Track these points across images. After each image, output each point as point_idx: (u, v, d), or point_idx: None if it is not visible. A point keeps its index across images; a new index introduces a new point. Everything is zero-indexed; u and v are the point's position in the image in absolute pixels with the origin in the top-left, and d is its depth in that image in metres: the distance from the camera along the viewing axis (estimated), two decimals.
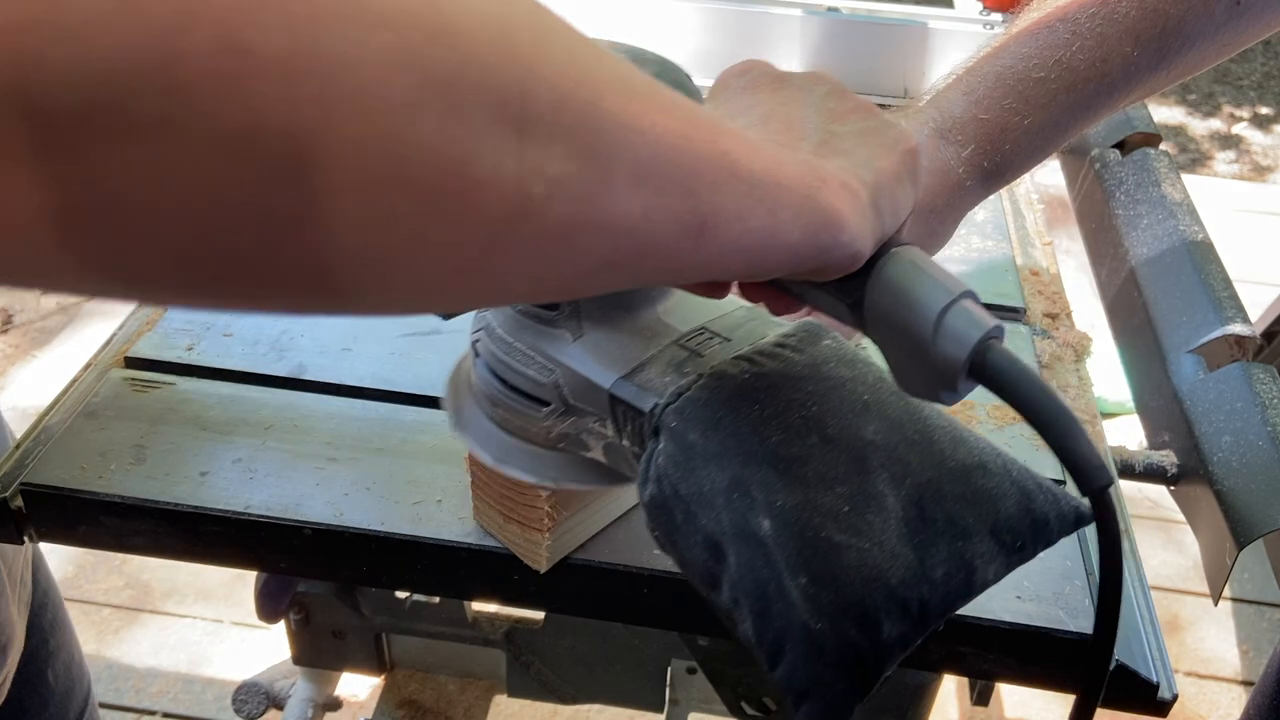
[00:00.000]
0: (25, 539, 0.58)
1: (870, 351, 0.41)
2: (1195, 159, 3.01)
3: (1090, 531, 0.60)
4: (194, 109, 0.17)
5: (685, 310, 0.45)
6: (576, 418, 0.45)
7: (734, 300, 0.46)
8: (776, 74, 0.39)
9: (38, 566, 0.66)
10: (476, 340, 0.48)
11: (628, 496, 0.55)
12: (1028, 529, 0.39)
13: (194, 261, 0.19)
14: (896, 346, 0.36)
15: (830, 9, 0.96)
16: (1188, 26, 0.52)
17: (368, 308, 0.23)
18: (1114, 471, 0.63)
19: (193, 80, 0.17)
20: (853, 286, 0.36)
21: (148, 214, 0.18)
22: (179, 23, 0.16)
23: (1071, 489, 0.39)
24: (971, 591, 0.38)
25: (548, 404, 0.45)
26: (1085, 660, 0.36)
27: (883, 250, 0.36)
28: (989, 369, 0.34)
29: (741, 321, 0.44)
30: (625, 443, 0.43)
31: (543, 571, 0.52)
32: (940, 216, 0.54)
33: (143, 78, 0.16)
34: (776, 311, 0.42)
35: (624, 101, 0.25)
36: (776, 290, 0.39)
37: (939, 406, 0.40)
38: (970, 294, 0.35)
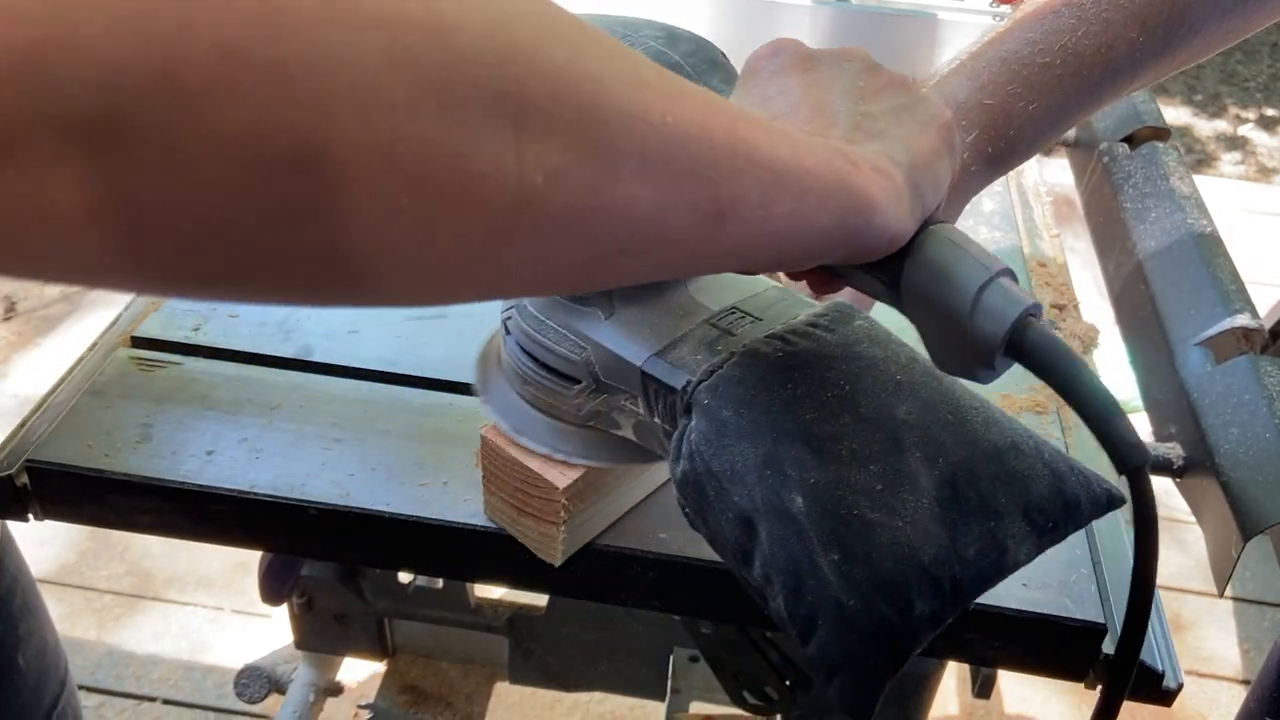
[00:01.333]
0: (30, 516, 0.58)
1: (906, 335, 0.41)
2: (1201, 159, 3.00)
3: (1100, 521, 0.60)
4: (197, 114, 0.18)
5: (716, 289, 0.45)
6: (608, 395, 0.45)
7: (765, 280, 0.46)
8: (806, 54, 0.39)
9: (6, 550, 0.65)
10: (508, 318, 0.48)
11: (641, 486, 0.55)
12: (1059, 510, 0.39)
13: (208, 255, 0.20)
14: (934, 324, 0.36)
15: None
16: (1193, 12, 0.52)
17: (379, 298, 0.23)
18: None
19: (193, 87, 0.18)
20: (890, 264, 0.36)
21: (164, 211, 0.19)
22: (178, 35, 0.17)
23: (1107, 468, 0.39)
24: (1003, 571, 0.38)
25: (579, 382, 0.45)
26: (1119, 639, 0.36)
27: (922, 226, 0.36)
28: (1027, 346, 0.34)
29: (773, 301, 0.44)
30: (657, 420, 0.43)
31: (557, 565, 0.52)
32: (945, 201, 0.54)
33: (147, 87, 0.17)
34: (814, 289, 0.42)
35: (631, 92, 0.25)
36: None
37: (970, 388, 0.41)
38: (1008, 271, 0.35)
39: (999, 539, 0.37)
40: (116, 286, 0.21)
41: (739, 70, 0.41)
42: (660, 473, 0.55)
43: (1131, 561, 0.57)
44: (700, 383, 0.40)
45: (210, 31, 0.17)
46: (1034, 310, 0.34)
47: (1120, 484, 0.43)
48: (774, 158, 0.29)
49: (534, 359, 0.47)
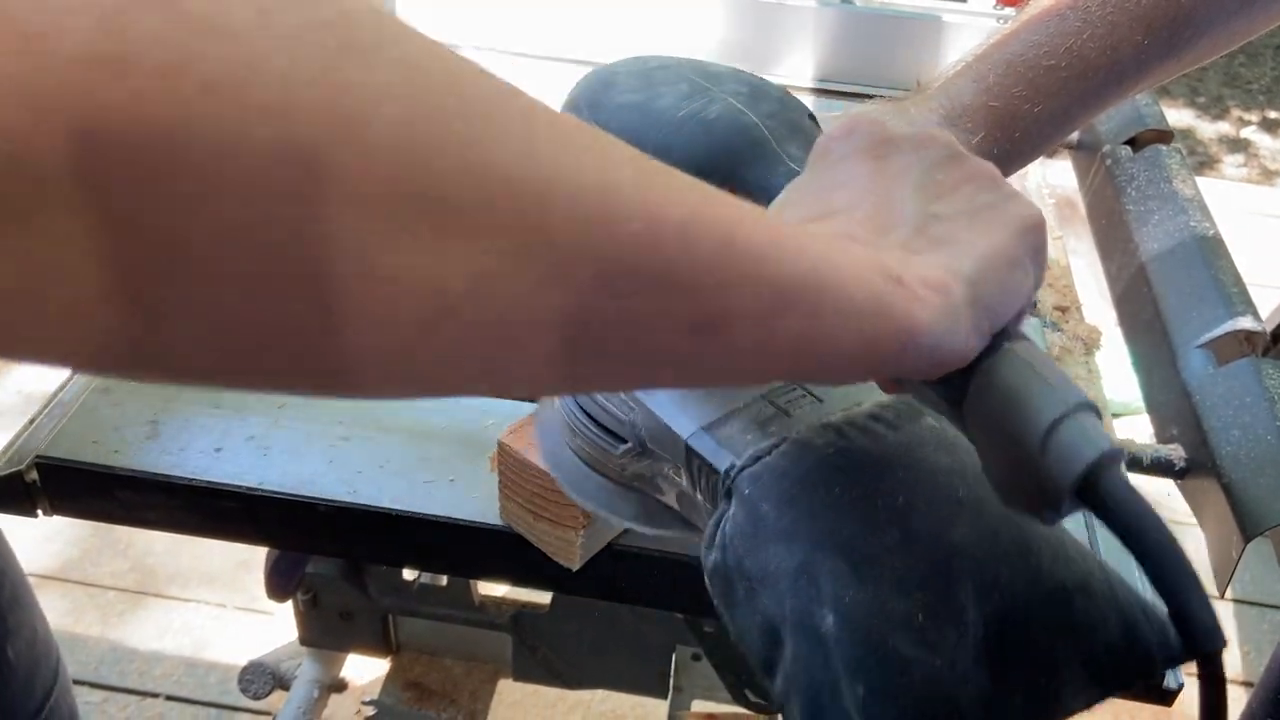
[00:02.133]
0: (39, 512, 0.59)
1: None
2: (1204, 162, 3.00)
3: (1096, 525, 0.60)
4: (63, 202, 0.17)
5: None
6: (652, 460, 0.43)
7: None
8: (881, 138, 0.35)
9: None
10: None
11: None
12: (1128, 660, 0.35)
13: (92, 339, 0.18)
14: (1000, 455, 0.33)
15: (844, 1, 0.97)
16: (1199, 15, 0.52)
17: (291, 392, 0.22)
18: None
19: (52, 177, 0.16)
20: (955, 381, 0.33)
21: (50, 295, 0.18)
22: (29, 124, 0.16)
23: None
24: None
25: (625, 441, 0.44)
26: None
27: (994, 344, 0.33)
28: (1101, 494, 0.31)
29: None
30: (699, 497, 0.41)
31: (575, 569, 0.52)
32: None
33: (14, 176, 0.16)
34: (881, 387, 0.38)
35: (591, 195, 0.22)
36: None
37: None
38: (1090, 406, 0.32)
39: (1051, 689, 0.34)
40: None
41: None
42: None
43: (1134, 565, 0.57)
44: (743, 469, 0.37)
45: (65, 120, 0.16)
46: (1115, 455, 0.31)
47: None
48: (779, 270, 0.26)
49: (584, 410, 0.45)
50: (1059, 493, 0.31)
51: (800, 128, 0.49)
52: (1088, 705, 0.35)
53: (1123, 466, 0.32)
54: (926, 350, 0.30)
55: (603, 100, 0.49)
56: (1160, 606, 0.35)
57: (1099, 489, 0.31)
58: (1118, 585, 0.37)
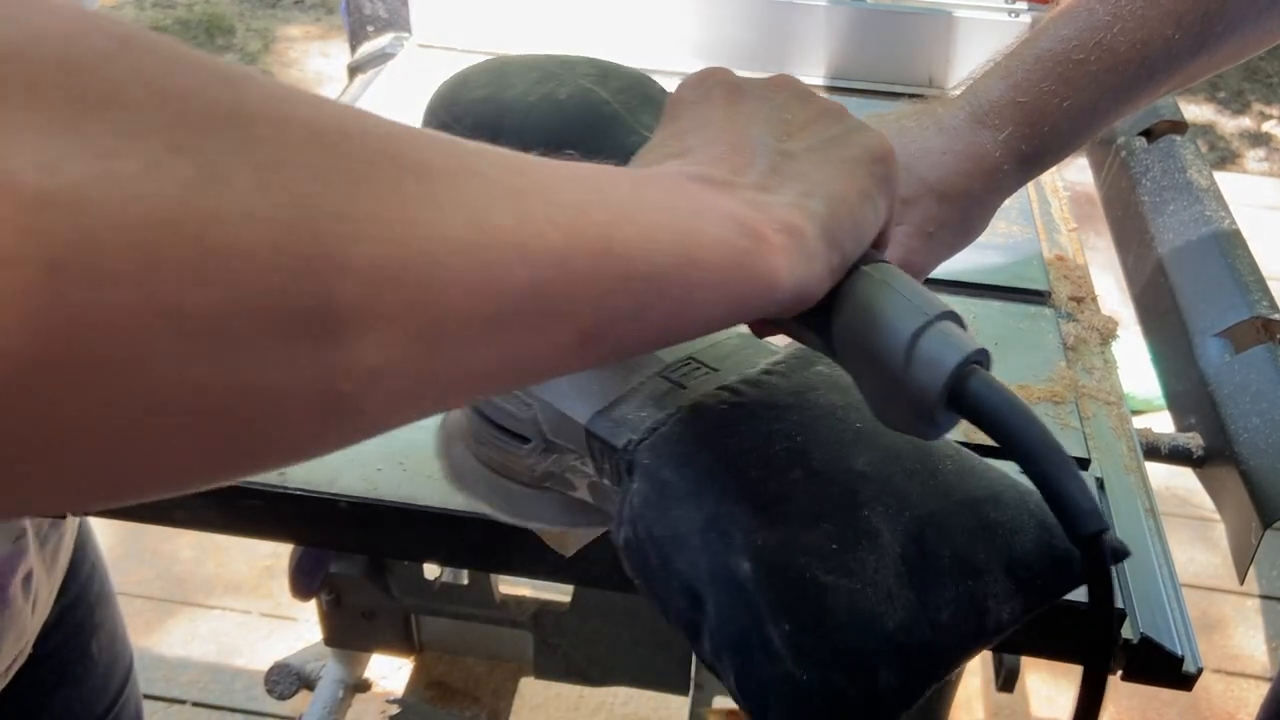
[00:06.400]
0: (68, 513, 0.60)
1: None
2: (1225, 156, 2.98)
3: (1120, 510, 0.60)
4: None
5: None
6: (558, 455, 0.42)
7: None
8: (732, 85, 0.36)
9: (86, 540, 0.68)
10: None
11: None
12: (1048, 566, 0.35)
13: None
14: (869, 375, 0.32)
15: None
16: (1230, 12, 0.52)
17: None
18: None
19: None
20: (818, 313, 0.32)
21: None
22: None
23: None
24: (985, 634, 0.34)
25: (528, 440, 0.43)
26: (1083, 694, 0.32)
27: (851, 270, 0.33)
28: (969, 399, 0.30)
29: (733, 350, 0.41)
30: (606, 481, 0.40)
31: (567, 556, 0.53)
32: (977, 202, 0.53)
33: None
34: (757, 334, 0.39)
35: (473, 252, 0.22)
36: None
37: (950, 435, 0.36)
38: (951, 314, 0.31)
39: (978, 599, 0.34)
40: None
41: None
42: None
43: (1152, 549, 0.57)
44: (641, 441, 0.36)
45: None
46: (978, 357, 0.31)
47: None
48: (651, 263, 0.26)
49: (484, 416, 0.44)
50: (930, 405, 0.30)
51: (653, 98, 0.49)
52: (1015, 618, 0.35)
53: (989, 368, 0.31)
54: (783, 297, 0.30)
55: (457, 98, 0.49)
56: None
57: (966, 393, 0.30)
58: (1030, 496, 0.36)
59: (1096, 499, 0.30)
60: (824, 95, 0.37)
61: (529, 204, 0.24)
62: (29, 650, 0.59)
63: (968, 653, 0.34)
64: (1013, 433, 0.30)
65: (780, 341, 0.41)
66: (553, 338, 0.24)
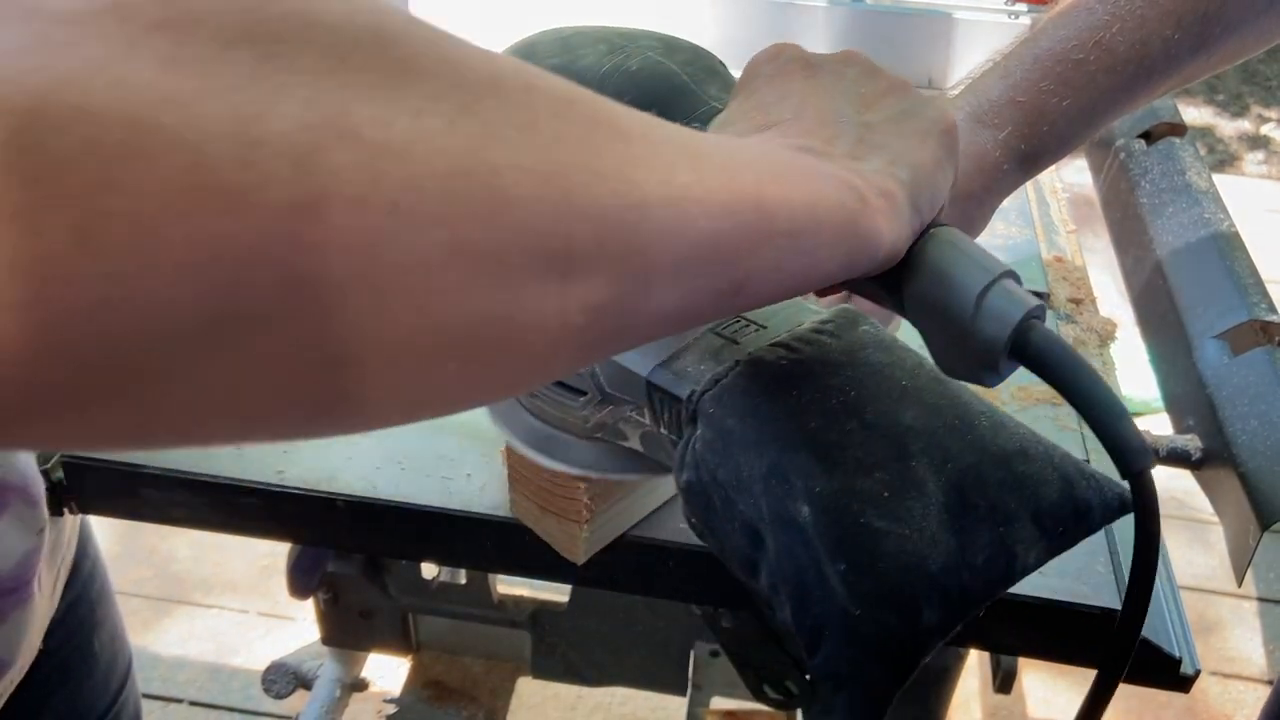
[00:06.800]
0: (65, 511, 0.60)
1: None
2: (1224, 159, 2.98)
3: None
4: (251, 340, 0.18)
5: None
6: (614, 406, 0.45)
7: None
8: (806, 59, 0.39)
9: (87, 538, 0.68)
10: None
11: (666, 487, 0.55)
12: (1070, 515, 0.38)
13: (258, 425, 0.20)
14: (937, 329, 0.36)
15: None
16: (1229, 12, 0.52)
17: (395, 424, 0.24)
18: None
19: (257, 313, 0.17)
20: (891, 272, 0.36)
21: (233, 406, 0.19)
22: (239, 273, 0.17)
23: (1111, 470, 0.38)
24: (1012, 577, 0.37)
25: (584, 393, 0.46)
26: (1110, 640, 0.36)
27: (921, 233, 0.36)
28: (1030, 349, 0.34)
29: (778, 309, 0.44)
30: (663, 430, 0.43)
31: (579, 564, 0.53)
32: (977, 202, 0.54)
33: (223, 330, 0.17)
34: (817, 294, 0.42)
35: (669, 207, 0.24)
36: None
37: (977, 392, 0.40)
38: (1010, 273, 0.35)
39: (1008, 545, 0.37)
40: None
41: (737, 78, 0.40)
42: None
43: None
44: (705, 392, 0.39)
45: (278, 260, 0.17)
46: (1037, 312, 0.34)
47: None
48: (791, 220, 0.29)
49: None
50: (995, 353, 0.34)
51: (716, 71, 0.52)
52: (1038, 562, 0.38)
53: (1044, 321, 0.35)
54: (883, 256, 0.33)
55: None
56: (1094, 472, 0.40)
57: (1028, 344, 0.34)
58: (1053, 450, 0.40)
59: (1145, 440, 0.34)
60: (891, 72, 0.39)
61: (700, 164, 0.26)
62: (40, 645, 0.59)
63: (995, 594, 0.37)
64: (1071, 379, 0.34)
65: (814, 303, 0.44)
66: (715, 284, 0.27)
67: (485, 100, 0.21)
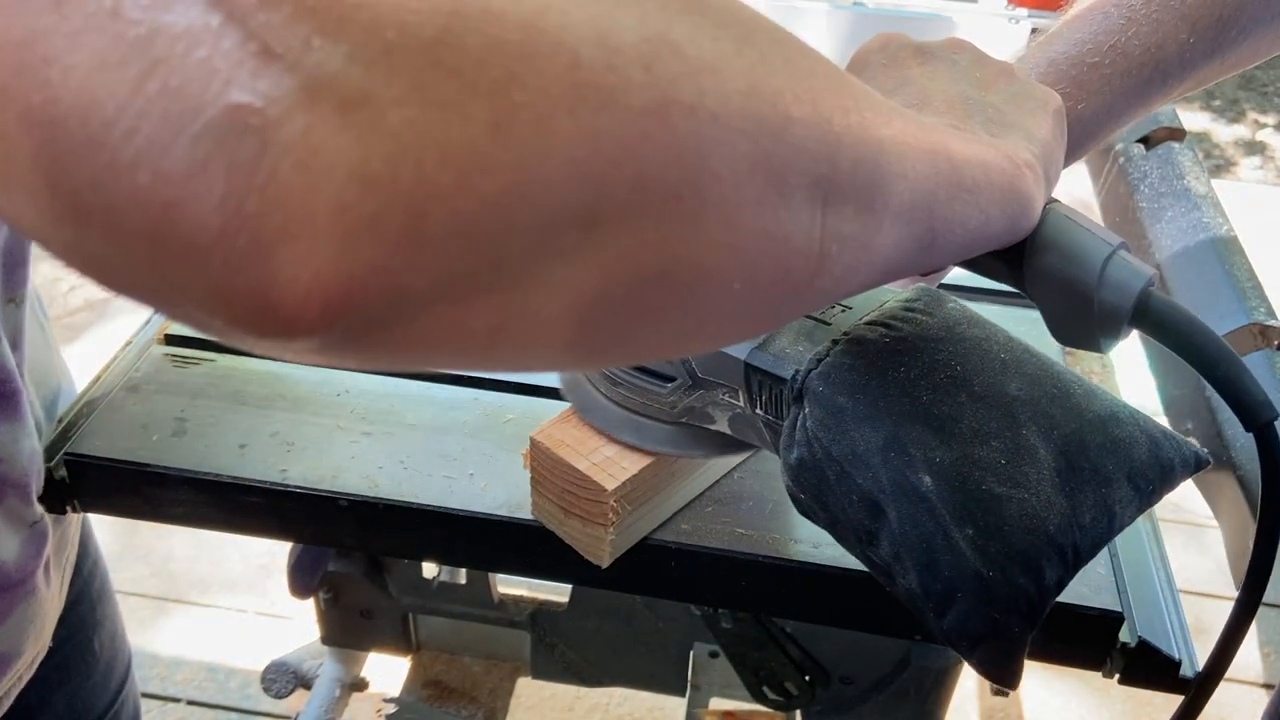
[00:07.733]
0: (68, 509, 0.60)
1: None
2: (1220, 165, 2.99)
3: None
4: (608, 231, 0.19)
5: None
6: (704, 390, 0.47)
7: None
8: (918, 46, 0.40)
9: (88, 537, 0.68)
10: None
11: (692, 486, 0.55)
12: (1157, 473, 0.41)
13: (573, 345, 0.21)
14: (1059, 299, 0.37)
15: (856, 3, 0.97)
16: (1245, 16, 0.52)
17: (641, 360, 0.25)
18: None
19: (611, 215, 0.19)
20: (1014, 245, 0.37)
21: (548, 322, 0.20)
22: (605, 170, 0.18)
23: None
24: (1111, 534, 0.40)
25: (673, 379, 0.47)
26: (1251, 563, 0.38)
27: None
28: (1152, 314, 0.36)
29: None
30: (758, 411, 0.44)
31: (604, 566, 0.53)
32: None
33: (561, 214, 0.18)
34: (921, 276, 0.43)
35: (896, 146, 0.26)
36: None
37: (1063, 362, 0.43)
38: (1125, 245, 0.37)
39: (1109, 504, 0.39)
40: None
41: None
42: (712, 473, 0.56)
43: (1149, 553, 0.57)
44: (810, 371, 0.41)
45: (637, 157, 0.19)
46: (1153, 281, 0.36)
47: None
48: (972, 175, 0.30)
49: None
50: (1118, 321, 0.36)
51: None
52: (1132, 518, 0.40)
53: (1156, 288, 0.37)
54: (1033, 219, 0.35)
55: None
56: (1173, 432, 0.43)
57: (1150, 310, 0.36)
58: (1138, 414, 0.42)
59: (1266, 392, 0.36)
60: (994, 57, 0.41)
61: (901, 114, 0.28)
62: (49, 642, 0.59)
63: (1097, 551, 0.40)
64: (1193, 341, 0.36)
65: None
66: (918, 232, 0.28)
67: (756, 34, 0.22)
